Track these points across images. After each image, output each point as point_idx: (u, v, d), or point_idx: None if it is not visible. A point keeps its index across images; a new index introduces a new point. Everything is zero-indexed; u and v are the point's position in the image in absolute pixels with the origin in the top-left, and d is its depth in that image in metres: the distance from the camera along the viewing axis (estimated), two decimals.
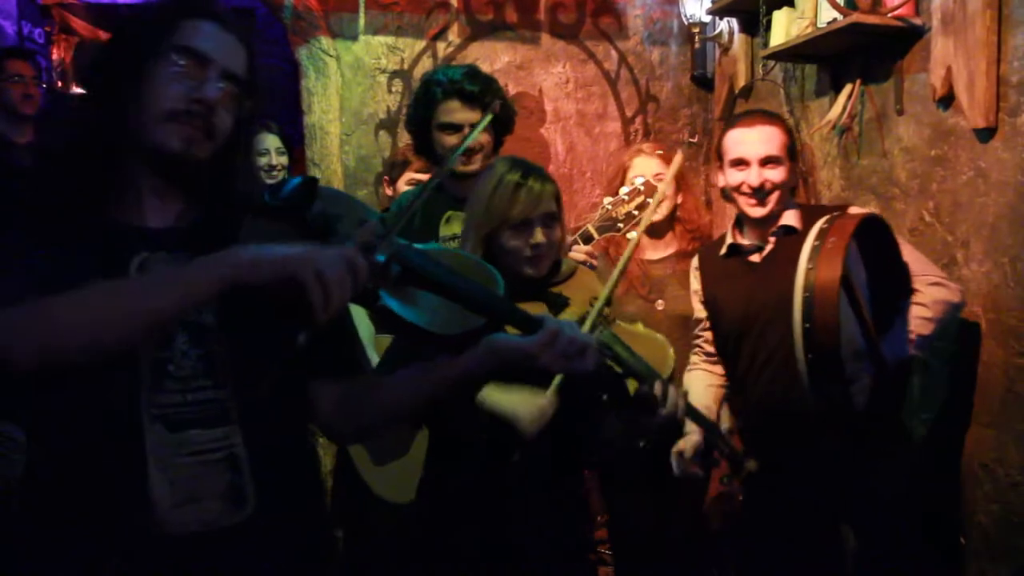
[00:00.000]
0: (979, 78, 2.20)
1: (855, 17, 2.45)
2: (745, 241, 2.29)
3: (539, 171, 1.78)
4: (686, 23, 3.58)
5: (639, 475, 2.53)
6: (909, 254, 2.09)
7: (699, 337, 2.43)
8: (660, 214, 2.65)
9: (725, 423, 2.40)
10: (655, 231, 2.71)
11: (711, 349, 2.39)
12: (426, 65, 3.49)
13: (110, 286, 1.11)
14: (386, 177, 3.15)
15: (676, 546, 2.67)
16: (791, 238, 2.17)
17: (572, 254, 2.22)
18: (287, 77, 3.94)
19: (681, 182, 2.77)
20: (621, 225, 2.23)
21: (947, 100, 2.36)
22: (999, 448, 2.23)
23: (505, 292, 1.40)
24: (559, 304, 1.75)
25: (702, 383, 2.36)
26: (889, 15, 2.47)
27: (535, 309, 1.51)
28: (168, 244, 1.23)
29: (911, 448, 2.25)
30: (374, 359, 2.03)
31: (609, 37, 3.74)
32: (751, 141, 2.21)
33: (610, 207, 2.26)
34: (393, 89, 3.52)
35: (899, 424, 2.21)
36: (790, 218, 2.23)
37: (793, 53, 2.84)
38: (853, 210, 2.14)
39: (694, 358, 2.43)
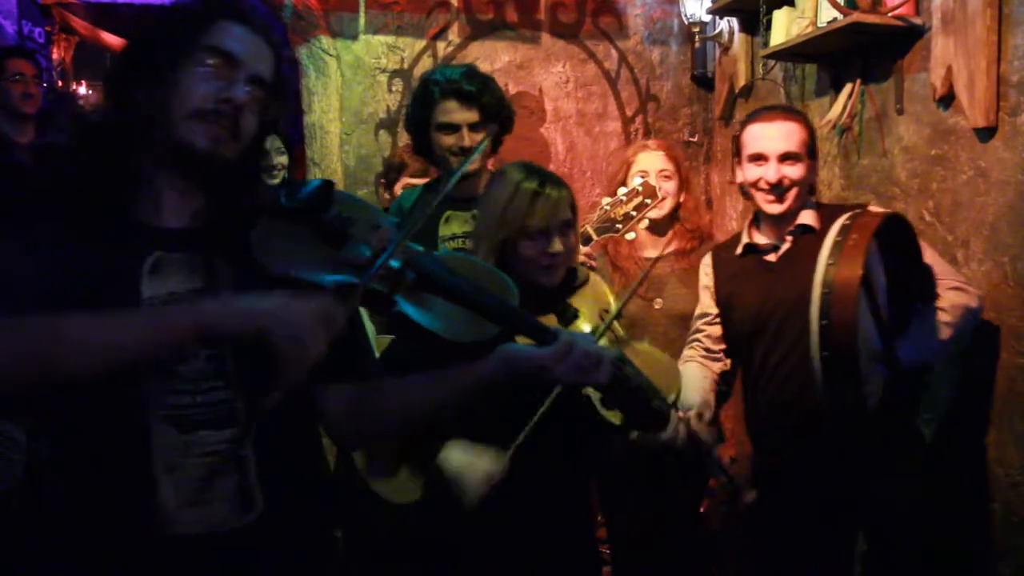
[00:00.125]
0: (979, 77, 2.20)
1: (855, 16, 2.45)
2: (761, 239, 2.26)
3: (554, 178, 1.74)
4: (686, 22, 3.58)
5: (638, 475, 2.53)
6: (931, 257, 2.07)
7: (700, 331, 2.39)
8: (663, 211, 2.64)
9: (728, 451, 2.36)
10: (657, 228, 2.70)
11: (711, 345, 2.36)
12: (426, 64, 3.49)
13: (81, 318, 1.10)
14: (382, 181, 3.15)
15: (675, 546, 2.66)
16: (808, 237, 2.14)
17: None
18: None
19: (685, 180, 2.76)
20: (619, 226, 2.23)
21: (947, 99, 2.36)
22: (999, 448, 2.23)
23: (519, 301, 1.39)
24: (569, 316, 1.72)
25: (699, 373, 2.32)
26: (889, 14, 2.46)
27: (544, 320, 1.50)
28: (183, 244, 1.22)
29: (923, 451, 2.23)
30: None
31: (609, 36, 3.74)
32: (770, 136, 2.16)
33: (608, 208, 2.26)
34: (393, 88, 3.52)
35: (912, 427, 2.18)
36: (808, 217, 2.18)
37: (793, 53, 2.84)
38: (874, 209, 2.09)
39: (690, 352, 2.39)
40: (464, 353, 1.31)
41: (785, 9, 2.85)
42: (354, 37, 3.47)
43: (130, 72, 1.23)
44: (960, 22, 2.25)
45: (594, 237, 2.27)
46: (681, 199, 2.75)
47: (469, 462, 1.49)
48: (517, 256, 1.69)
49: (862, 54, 2.69)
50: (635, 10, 3.76)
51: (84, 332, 1.09)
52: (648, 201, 2.16)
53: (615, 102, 3.77)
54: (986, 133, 2.23)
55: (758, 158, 2.17)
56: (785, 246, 2.21)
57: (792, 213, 2.19)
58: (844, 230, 1.82)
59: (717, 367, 2.36)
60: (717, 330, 2.36)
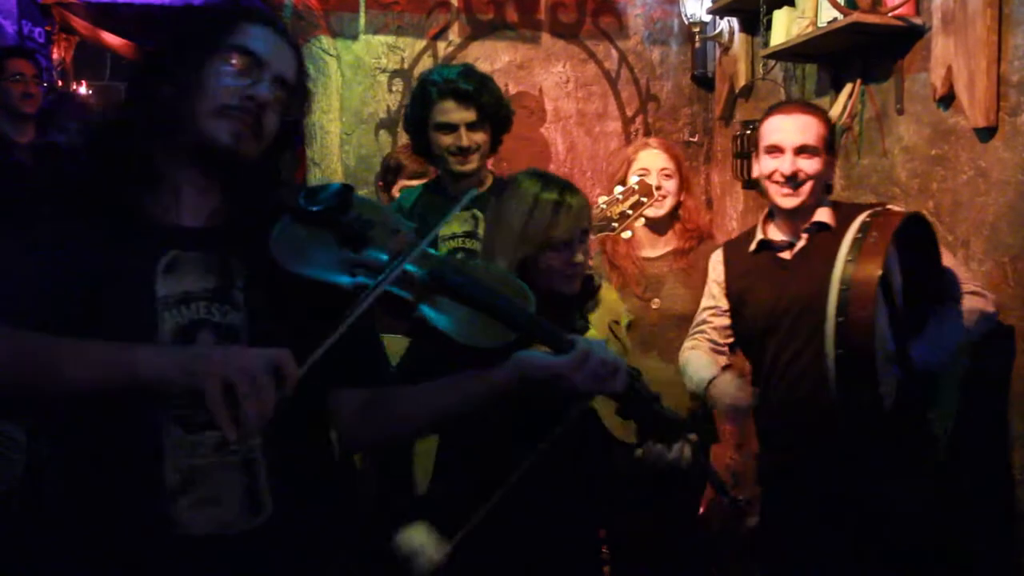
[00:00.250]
0: (979, 77, 2.20)
1: (855, 16, 2.45)
2: (776, 235, 2.24)
3: (569, 185, 1.72)
4: (686, 22, 3.58)
5: (637, 475, 2.53)
6: (949, 259, 2.06)
7: (706, 323, 2.36)
8: (663, 210, 2.64)
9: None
10: (656, 227, 2.70)
11: (717, 338, 2.33)
12: (426, 64, 3.49)
13: (53, 339, 1.10)
14: (380, 182, 3.15)
15: (674, 546, 2.66)
16: (824, 235, 2.12)
17: None
18: None
19: (685, 180, 2.76)
20: (616, 224, 2.23)
21: (947, 99, 2.36)
22: (1008, 449, 2.22)
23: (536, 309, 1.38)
24: (578, 329, 1.70)
25: (705, 356, 2.29)
26: (889, 14, 2.47)
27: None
28: (199, 243, 1.22)
29: (937, 454, 2.20)
30: None
31: (609, 36, 3.74)
32: (787, 129, 2.14)
33: (604, 206, 2.26)
34: (393, 88, 3.52)
35: (925, 428, 2.16)
36: (824, 215, 2.16)
37: (793, 52, 2.84)
38: (894, 208, 2.08)
39: (693, 343, 2.35)
40: (480, 361, 1.30)
41: (785, 9, 2.85)
42: (354, 37, 3.47)
43: (156, 72, 1.24)
44: (960, 22, 2.25)
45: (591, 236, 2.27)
46: (681, 198, 2.74)
47: (420, 547, 1.45)
48: (537, 268, 1.66)
49: (862, 54, 2.69)
50: (635, 10, 3.76)
51: (53, 355, 1.09)
52: (644, 199, 2.16)
53: (615, 102, 3.77)
54: (986, 133, 2.23)
55: (774, 150, 2.15)
56: (800, 243, 2.19)
57: (807, 210, 2.17)
58: (864, 227, 1.80)
59: (722, 361, 2.33)
60: (724, 322, 2.33)
